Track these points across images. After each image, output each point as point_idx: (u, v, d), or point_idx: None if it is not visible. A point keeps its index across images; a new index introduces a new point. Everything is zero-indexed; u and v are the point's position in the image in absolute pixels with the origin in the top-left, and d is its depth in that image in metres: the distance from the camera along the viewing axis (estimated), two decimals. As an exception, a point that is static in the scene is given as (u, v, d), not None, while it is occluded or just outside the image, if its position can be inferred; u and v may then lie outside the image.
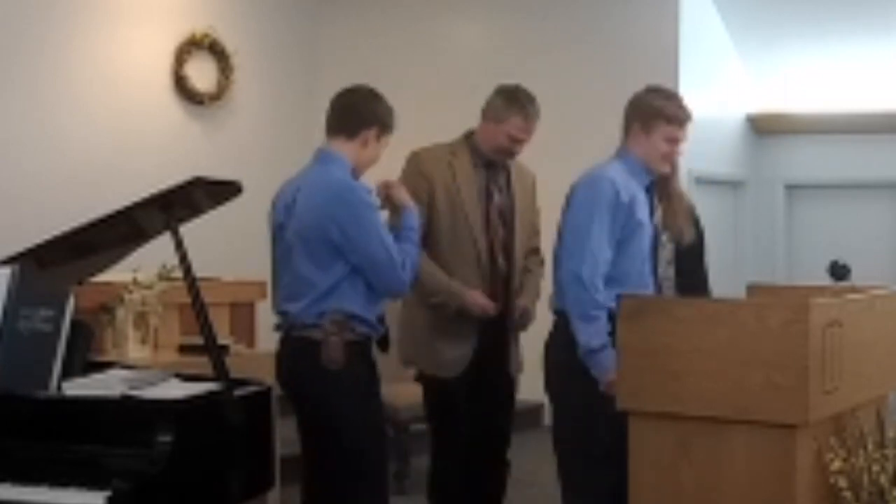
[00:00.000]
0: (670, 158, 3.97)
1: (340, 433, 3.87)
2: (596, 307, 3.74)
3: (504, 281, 4.65)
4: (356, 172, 3.98)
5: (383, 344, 4.14)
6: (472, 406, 4.67)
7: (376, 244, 3.81)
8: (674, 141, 3.94)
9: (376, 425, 3.98)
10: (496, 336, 4.65)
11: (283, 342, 4.03)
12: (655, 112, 3.92)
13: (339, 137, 3.96)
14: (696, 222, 4.66)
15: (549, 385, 4.04)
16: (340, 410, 3.85)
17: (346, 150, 3.94)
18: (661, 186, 4.14)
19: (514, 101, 4.55)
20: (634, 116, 3.96)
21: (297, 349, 3.92)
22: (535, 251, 4.79)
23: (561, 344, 3.89)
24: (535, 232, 4.78)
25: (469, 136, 4.65)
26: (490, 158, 4.61)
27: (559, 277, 3.90)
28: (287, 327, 3.98)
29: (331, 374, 3.83)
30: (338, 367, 3.83)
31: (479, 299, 4.48)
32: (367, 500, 3.92)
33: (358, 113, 3.95)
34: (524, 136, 4.55)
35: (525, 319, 4.70)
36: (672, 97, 3.99)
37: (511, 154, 4.61)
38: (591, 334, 3.73)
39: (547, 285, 4.28)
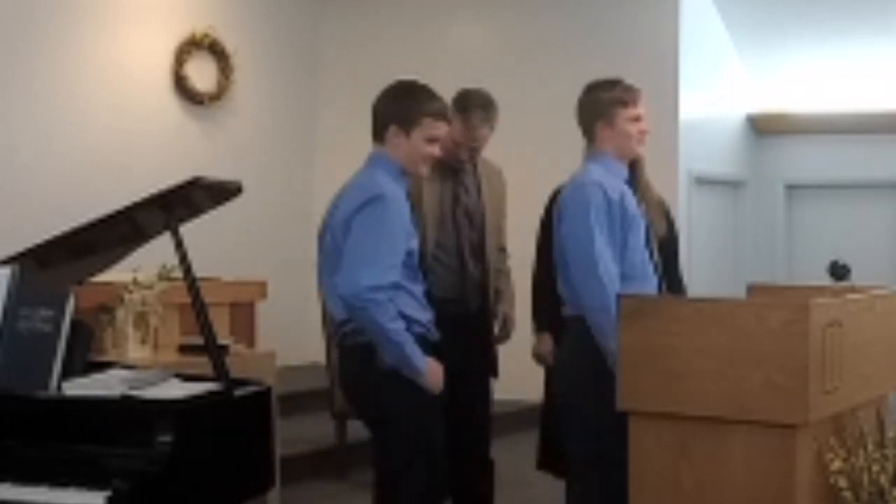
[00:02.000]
0: (643, 137, 4.02)
1: (395, 431, 3.80)
2: None
3: (477, 282, 4.64)
4: (409, 168, 3.89)
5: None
6: (451, 411, 4.65)
7: (362, 242, 3.67)
8: (637, 119, 4.00)
9: (432, 424, 3.87)
10: (475, 338, 4.63)
11: (340, 351, 3.96)
12: (609, 103, 3.98)
13: (376, 142, 3.94)
14: (667, 216, 4.65)
15: (563, 389, 4.02)
16: (395, 410, 3.77)
17: (386, 151, 3.88)
18: (629, 180, 4.14)
19: (458, 105, 4.55)
20: (594, 116, 4.00)
21: (351, 356, 3.85)
22: (502, 249, 4.79)
23: (575, 350, 3.88)
24: (500, 229, 4.77)
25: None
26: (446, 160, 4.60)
27: (577, 288, 3.84)
28: (341, 335, 3.87)
29: (389, 374, 3.73)
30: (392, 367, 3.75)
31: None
32: (411, 497, 3.89)
33: (375, 118, 3.92)
34: (465, 141, 4.53)
35: (508, 328, 4.70)
36: (615, 83, 4.04)
37: (459, 159, 4.58)
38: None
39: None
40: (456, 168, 4.62)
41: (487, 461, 4.83)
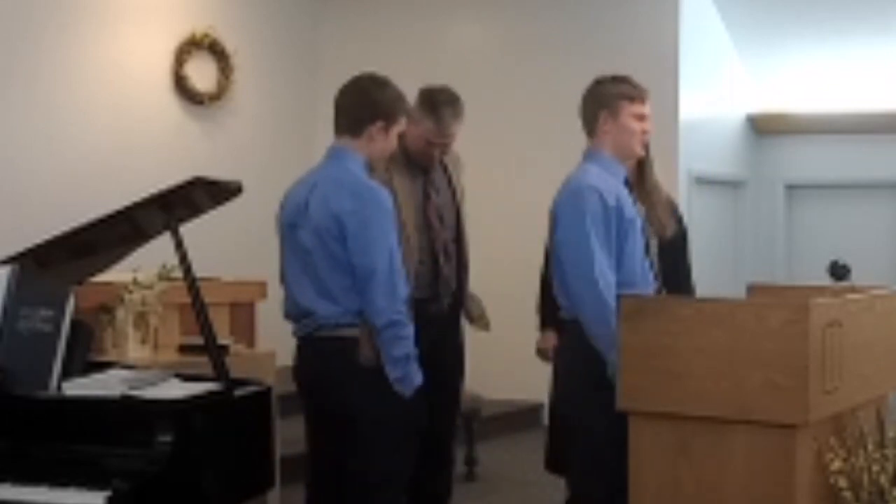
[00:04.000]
0: (644, 137, 3.95)
1: (374, 431, 3.77)
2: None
3: (449, 281, 4.61)
4: (372, 165, 3.89)
5: None
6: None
7: (381, 251, 3.69)
8: (641, 117, 3.93)
9: (410, 424, 3.87)
10: (445, 335, 4.61)
11: (306, 344, 3.90)
12: (615, 95, 3.92)
13: (344, 136, 3.86)
14: (679, 218, 4.64)
15: (563, 392, 4.01)
16: (376, 410, 3.75)
17: (354, 147, 3.84)
18: (637, 181, 4.16)
19: (427, 105, 4.50)
20: (598, 106, 3.93)
21: (326, 350, 3.81)
22: None
23: (574, 353, 3.86)
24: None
25: (401, 138, 4.60)
26: (417, 160, 4.57)
27: (574, 298, 3.79)
28: (314, 328, 3.84)
29: (368, 371, 3.74)
30: (374, 363, 3.75)
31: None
32: (388, 498, 3.89)
33: (359, 110, 3.84)
34: (439, 140, 4.51)
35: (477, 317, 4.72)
36: (623, 79, 3.99)
37: (431, 158, 4.56)
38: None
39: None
40: (426, 167, 4.60)
41: (448, 459, 4.80)
